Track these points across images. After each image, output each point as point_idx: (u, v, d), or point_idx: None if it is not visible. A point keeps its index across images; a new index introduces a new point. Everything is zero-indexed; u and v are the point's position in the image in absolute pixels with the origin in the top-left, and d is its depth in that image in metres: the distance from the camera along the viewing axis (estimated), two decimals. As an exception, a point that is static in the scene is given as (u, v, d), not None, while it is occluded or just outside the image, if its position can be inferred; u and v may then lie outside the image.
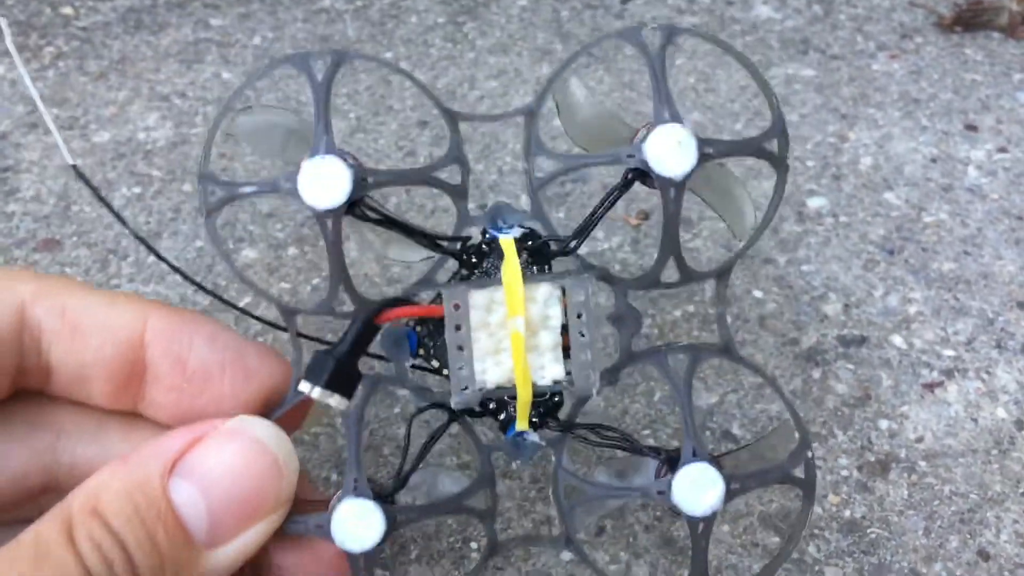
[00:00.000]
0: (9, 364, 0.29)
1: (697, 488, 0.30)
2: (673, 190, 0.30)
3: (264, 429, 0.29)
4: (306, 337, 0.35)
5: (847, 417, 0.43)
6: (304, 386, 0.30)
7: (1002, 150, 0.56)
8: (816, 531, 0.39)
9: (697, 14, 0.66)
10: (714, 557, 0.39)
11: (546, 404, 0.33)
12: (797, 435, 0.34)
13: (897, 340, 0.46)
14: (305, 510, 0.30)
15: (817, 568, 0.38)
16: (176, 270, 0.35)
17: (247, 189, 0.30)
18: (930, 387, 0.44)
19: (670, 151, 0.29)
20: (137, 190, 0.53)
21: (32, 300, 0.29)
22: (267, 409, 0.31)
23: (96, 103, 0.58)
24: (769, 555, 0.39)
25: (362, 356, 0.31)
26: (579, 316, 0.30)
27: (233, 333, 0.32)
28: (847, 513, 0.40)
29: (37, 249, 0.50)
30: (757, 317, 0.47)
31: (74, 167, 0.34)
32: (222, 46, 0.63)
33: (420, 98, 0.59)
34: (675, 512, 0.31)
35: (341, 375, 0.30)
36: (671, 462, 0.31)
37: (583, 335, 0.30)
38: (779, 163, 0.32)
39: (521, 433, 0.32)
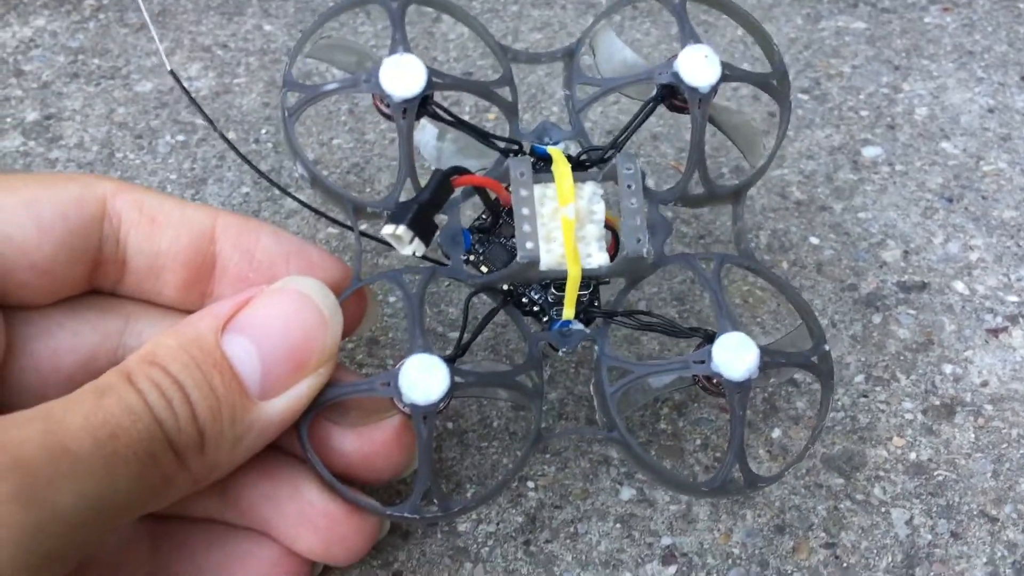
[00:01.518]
0: (91, 249, 0.30)
1: (734, 354, 0.32)
2: (700, 101, 0.34)
3: (309, 285, 0.30)
4: (368, 236, 0.38)
5: (910, 361, 0.42)
6: (388, 227, 0.31)
7: (1061, 101, 0.55)
8: (881, 473, 0.39)
9: (743, -32, 0.65)
10: (777, 499, 0.38)
11: (586, 303, 0.35)
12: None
13: (959, 286, 0.45)
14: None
15: (884, 510, 0.37)
16: (255, 169, 0.38)
17: (330, 87, 0.33)
18: (994, 332, 0.43)
19: (698, 64, 0.34)
20: (181, 138, 0.52)
21: (113, 194, 0.30)
22: None
23: (137, 54, 0.58)
24: (834, 496, 0.38)
25: (438, 211, 0.33)
26: (629, 187, 0.32)
27: (294, 235, 0.34)
28: (912, 456, 0.39)
29: (82, 194, 0.49)
30: (815, 263, 0.46)
31: (171, 73, 0.36)
32: (263, -1, 0.62)
33: (463, 50, 0.58)
34: (714, 388, 0.33)
35: (422, 219, 0.32)
36: (708, 340, 0.33)
37: (633, 203, 0.32)
38: (783, 98, 0.37)
39: (567, 323, 0.34)
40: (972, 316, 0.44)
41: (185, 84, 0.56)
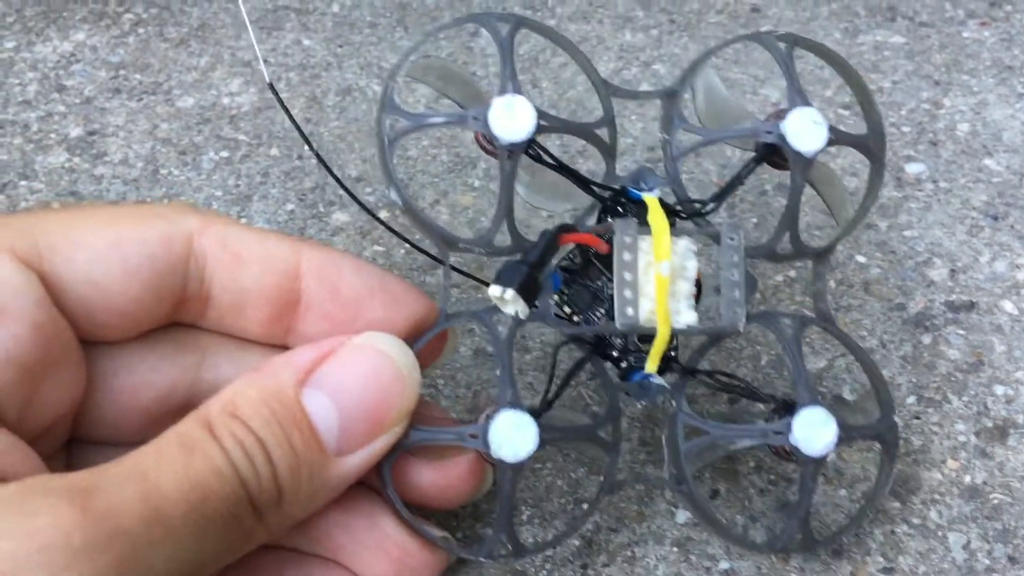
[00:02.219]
0: (176, 288, 0.30)
1: (815, 431, 0.32)
2: (803, 165, 0.33)
3: (390, 343, 0.30)
4: (458, 271, 0.38)
5: (961, 382, 0.42)
6: (495, 289, 0.31)
7: (1103, 117, 0.55)
8: (937, 496, 0.39)
9: (779, -18, 0.65)
10: (834, 523, 0.38)
11: (667, 355, 0.35)
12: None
13: (1007, 306, 0.45)
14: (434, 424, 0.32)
15: (940, 534, 0.37)
16: (348, 192, 0.37)
17: (435, 119, 0.33)
18: (1045, 353, 0.43)
19: (807, 128, 0.33)
20: (224, 154, 0.52)
21: (199, 231, 0.30)
22: (412, 337, 0.32)
23: (178, 69, 0.58)
24: (890, 520, 0.38)
25: (543, 270, 0.32)
26: (732, 259, 0.32)
27: (375, 265, 0.33)
28: (967, 479, 0.39)
29: (128, 211, 0.49)
30: (861, 282, 0.46)
31: (270, 85, 0.36)
32: (301, 13, 0.62)
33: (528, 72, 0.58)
34: (786, 455, 0.33)
35: (530, 282, 0.32)
36: (785, 408, 0.33)
37: (734, 276, 0.32)
38: (876, 159, 0.37)
39: (648, 376, 0.34)
40: (1022, 336, 0.44)
41: (226, 100, 0.56)
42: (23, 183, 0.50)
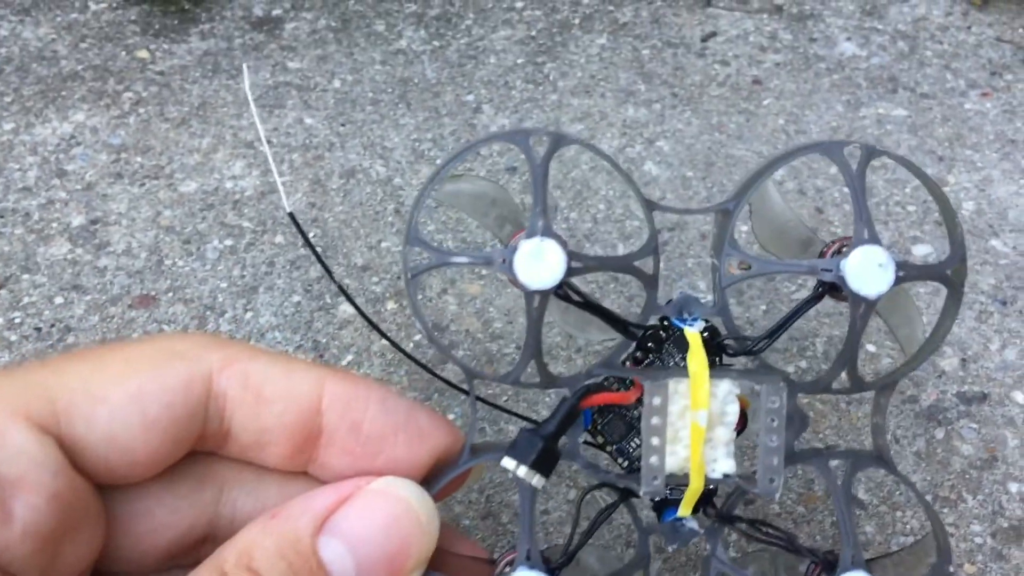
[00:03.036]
0: (195, 430, 0.30)
1: None
2: (864, 307, 0.30)
3: (409, 490, 0.30)
4: (483, 401, 0.37)
5: (975, 480, 0.42)
6: (509, 463, 0.30)
7: (1107, 193, 0.55)
8: (955, 604, 0.38)
9: (780, 51, 0.65)
10: None
11: (708, 491, 0.33)
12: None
13: (1019, 397, 0.45)
14: (455, 563, 0.31)
15: (960, 644, 0.37)
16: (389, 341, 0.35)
17: (459, 259, 0.31)
18: (1058, 447, 0.43)
19: (870, 271, 0.30)
20: (229, 242, 0.52)
21: (219, 370, 0.30)
22: (437, 471, 0.32)
23: (180, 151, 0.58)
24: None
25: (562, 437, 0.31)
26: (771, 421, 0.30)
27: (403, 397, 0.32)
28: (985, 584, 0.39)
29: (133, 306, 0.49)
30: (873, 372, 0.46)
31: (290, 215, 0.34)
32: (303, 90, 0.62)
33: (505, 145, 0.58)
34: None
35: (546, 455, 0.31)
36: (827, 565, 0.31)
37: (773, 440, 0.30)
38: (956, 289, 0.33)
39: (680, 518, 0.33)
40: (1035, 430, 0.44)
41: (229, 184, 0.55)
42: (25, 276, 0.50)
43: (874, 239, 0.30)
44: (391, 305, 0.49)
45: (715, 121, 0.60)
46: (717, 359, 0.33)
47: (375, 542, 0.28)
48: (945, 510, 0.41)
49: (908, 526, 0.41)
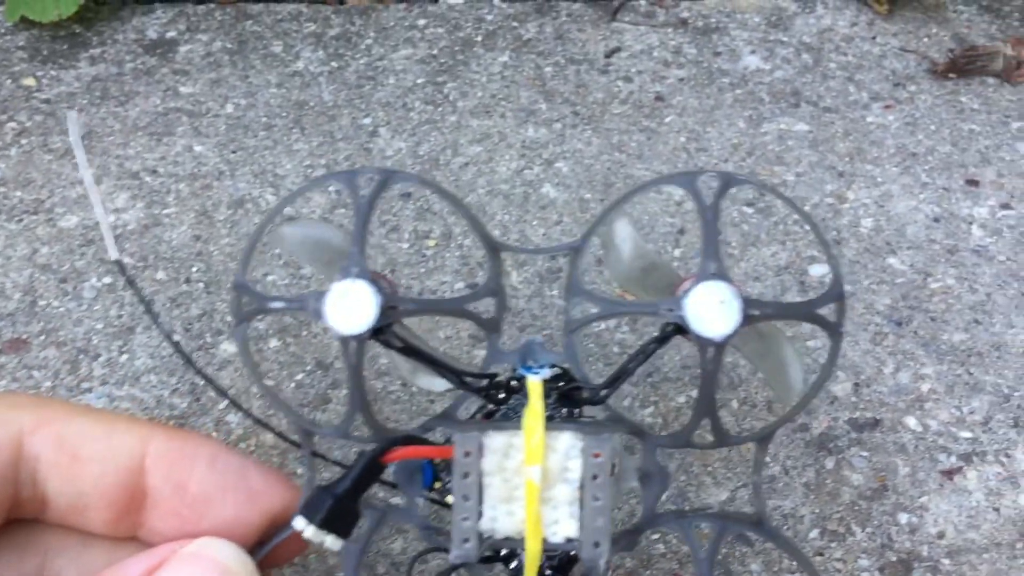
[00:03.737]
0: (4, 498, 0.28)
1: None
2: (712, 350, 0.28)
3: (225, 551, 0.28)
4: (322, 457, 0.35)
5: (865, 512, 0.41)
6: (299, 522, 0.28)
7: (1005, 206, 0.54)
8: (840, 643, 0.37)
9: (684, 66, 0.64)
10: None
11: (561, 558, 0.31)
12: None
13: (911, 422, 0.44)
14: None
15: None
16: (214, 385, 0.33)
17: (276, 305, 0.30)
18: (948, 474, 0.42)
19: (711, 310, 0.28)
20: (108, 280, 0.50)
21: (31, 430, 0.28)
22: (273, 531, 0.30)
23: (62, 183, 0.56)
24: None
25: (363, 493, 0.29)
26: (595, 477, 0.27)
27: (235, 454, 0.31)
28: (871, 621, 0.38)
29: (3, 351, 0.47)
30: (764, 401, 0.45)
31: (118, 263, 0.32)
32: (193, 116, 0.60)
33: (401, 164, 0.57)
34: None
35: (339, 514, 0.28)
36: None
37: (597, 499, 0.27)
38: (833, 330, 0.30)
39: None
40: (926, 456, 0.43)
41: (113, 217, 0.54)
42: None
43: (720, 275, 0.28)
44: (274, 343, 0.47)
45: (616, 140, 0.58)
46: (576, 410, 0.31)
47: None
48: (833, 544, 0.40)
49: (794, 563, 0.40)
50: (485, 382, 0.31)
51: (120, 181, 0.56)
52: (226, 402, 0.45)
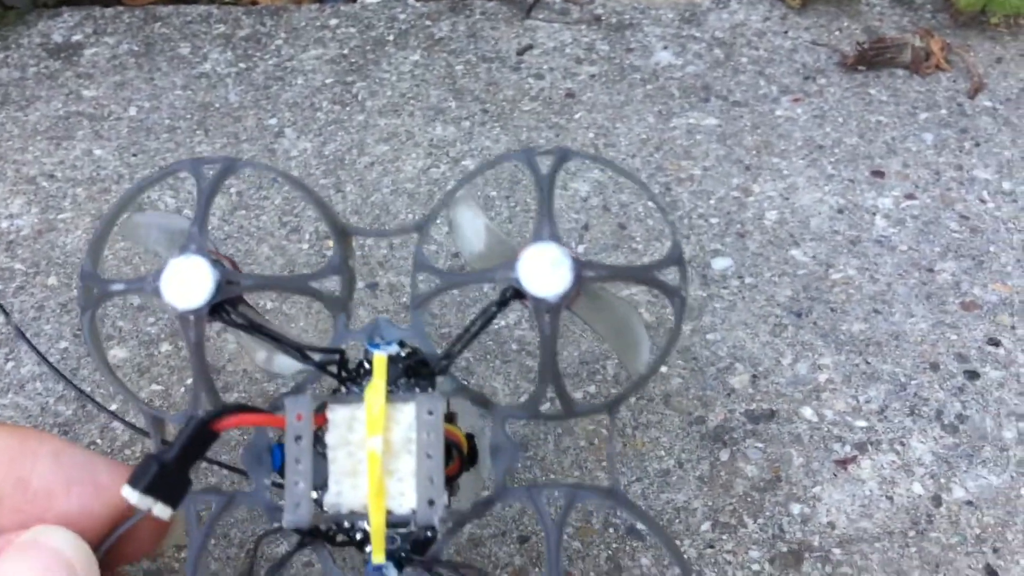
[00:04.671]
0: None
1: None
2: (548, 313, 0.28)
3: (61, 538, 0.28)
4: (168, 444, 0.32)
5: (757, 503, 0.41)
6: (125, 490, 0.27)
7: (909, 196, 0.54)
8: (727, 636, 0.37)
9: (596, 63, 0.64)
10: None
11: (416, 537, 0.30)
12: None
13: (807, 412, 0.44)
14: None
15: None
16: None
17: (116, 287, 0.30)
18: (843, 463, 0.42)
19: (542, 271, 0.28)
20: (-3, 287, 0.49)
21: None
22: (121, 522, 0.29)
23: (-45, 190, 0.54)
24: None
25: (195, 463, 0.28)
26: (427, 435, 0.28)
27: (81, 449, 0.30)
28: (759, 613, 0.38)
29: None
30: (662, 395, 0.45)
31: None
32: (95, 119, 0.59)
33: (306, 167, 0.56)
34: None
35: (166, 481, 0.28)
36: None
37: (430, 456, 0.27)
38: (674, 294, 0.30)
39: (379, 567, 0.30)
40: (820, 446, 0.43)
41: (6, 223, 0.52)
42: None
43: (553, 236, 0.28)
44: (165, 347, 0.46)
45: (524, 137, 0.58)
46: (430, 386, 0.31)
47: None
48: (724, 536, 0.40)
49: (686, 554, 0.39)
50: (336, 358, 0.31)
51: (16, 187, 0.55)
52: (115, 405, 0.44)
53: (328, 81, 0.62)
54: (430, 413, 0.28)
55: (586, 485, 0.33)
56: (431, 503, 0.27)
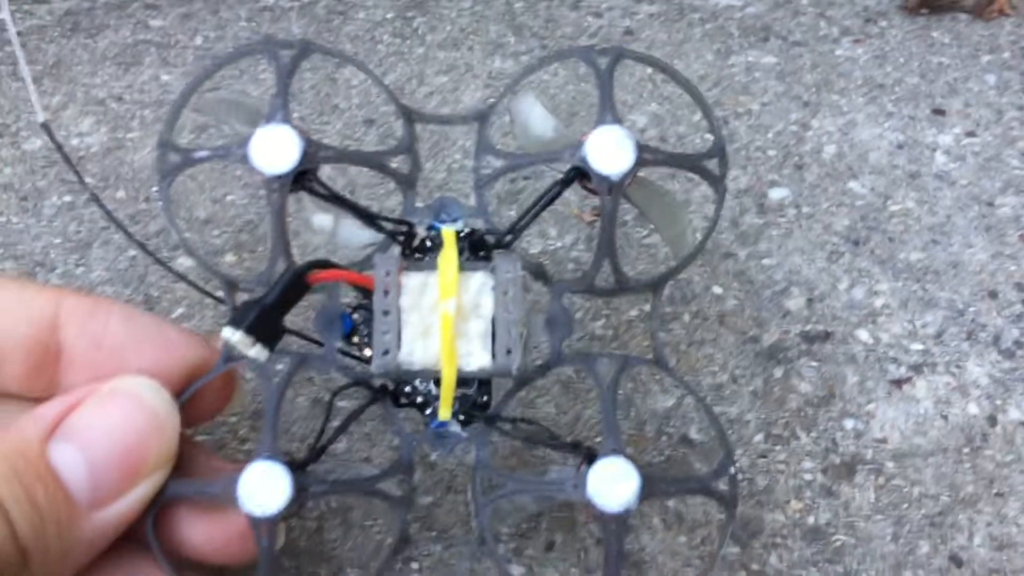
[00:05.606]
0: None
1: (612, 482, 0.29)
2: (610, 190, 0.31)
3: (143, 386, 0.29)
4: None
5: (811, 418, 0.41)
6: (227, 331, 0.29)
7: (970, 134, 0.54)
8: (779, 540, 0.37)
9: (655, 2, 0.64)
10: (670, 571, 0.36)
11: (473, 401, 0.32)
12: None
13: (863, 335, 0.44)
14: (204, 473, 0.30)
15: (779, 579, 0.36)
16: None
17: (201, 154, 0.32)
18: (898, 383, 0.42)
19: (609, 150, 0.31)
20: (68, 199, 0.50)
21: None
22: (190, 383, 0.31)
23: (28, 109, 0.56)
24: (728, 567, 0.37)
25: (288, 311, 0.30)
26: (506, 293, 0.30)
27: (150, 314, 0.32)
28: (811, 520, 0.38)
29: (-40, 263, 0.47)
30: (717, 314, 0.45)
31: (43, 125, 0.33)
32: (162, 47, 0.60)
33: (367, 96, 0.57)
34: (592, 512, 0.30)
35: (264, 325, 0.30)
36: (591, 460, 0.30)
37: (509, 311, 0.30)
38: (717, 182, 0.34)
39: (444, 424, 0.32)
40: (875, 367, 0.43)
41: (75, 141, 0.54)
42: None
43: (615, 120, 0.31)
44: (230, 257, 0.48)
45: (582, 71, 0.58)
46: (487, 260, 0.32)
47: (108, 442, 0.27)
48: (777, 447, 0.40)
49: (738, 464, 0.40)
50: (405, 229, 0.33)
51: (86, 108, 0.56)
52: (181, 309, 0.45)
53: (389, 16, 0.63)
54: (507, 272, 0.30)
55: (635, 356, 0.34)
56: (508, 352, 0.29)
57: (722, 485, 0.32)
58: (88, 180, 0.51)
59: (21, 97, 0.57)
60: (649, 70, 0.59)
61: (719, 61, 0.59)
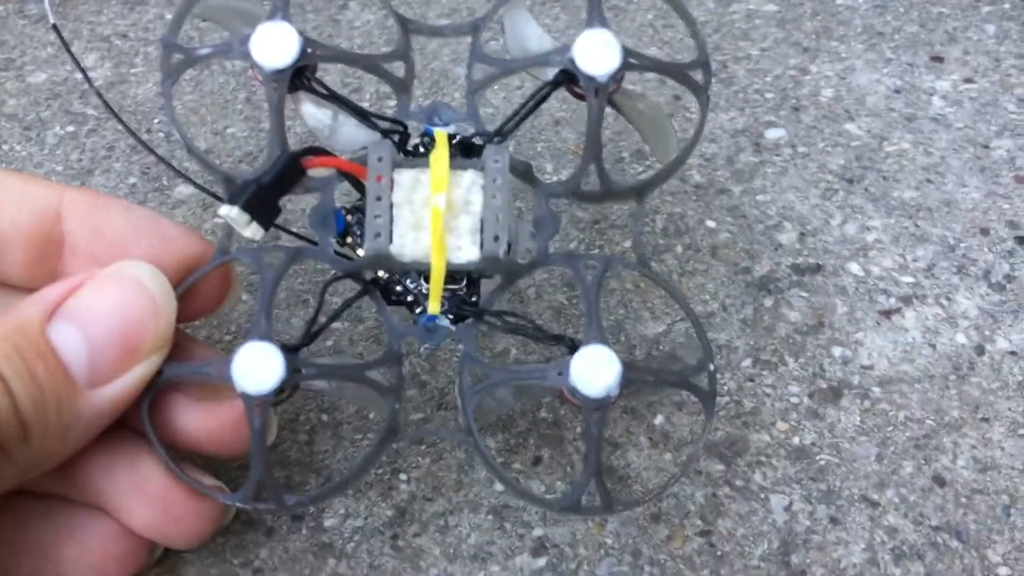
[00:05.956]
0: None
1: (594, 367, 0.30)
2: (596, 92, 0.31)
3: (141, 270, 0.29)
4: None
5: (799, 344, 0.42)
6: (224, 208, 0.30)
7: (968, 80, 0.54)
8: (763, 458, 0.38)
9: (658, -48, 0.64)
10: (656, 485, 0.37)
11: (462, 299, 0.33)
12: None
13: (854, 268, 0.45)
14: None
15: (763, 496, 0.37)
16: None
17: (204, 51, 0.32)
18: (887, 314, 0.43)
19: (596, 51, 0.32)
20: (71, 128, 0.51)
21: None
22: (187, 277, 0.31)
23: (33, 45, 0.56)
24: (713, 483, 0.37)
25: (284, 194, 0.31)
26: (494, 180, 0.30)
27: (149, 208, 0.33)
28: (796, 440, 0.38)
29: (-37, 188, 0.48)
30: (709, 247, 0.45)
31: (54, 27, 0.37)
32: (167, -13, 0.61)
33: (369, 37, 0.57)
34: (574, 403, 0.30)
35: (261, 202, 0.30)
36: (574, 349, 0.31)
37: (495, 199, 0.30)
38: (701, 92, 0.35)
39: (433, 318, 0.32)
40: (865, 298, 0.43)
41: (79, 75, 0.54)
42: None
43: (602, 23, 0.32)
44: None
45: (583, 16, 0.58)
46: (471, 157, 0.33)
47: (107, 321, 0.28)
48: (764, 372, 0.41)
49: (725, 387, 0.40)
50: (400, 128, 0.33)
51: (91, 44, 0.57)
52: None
53: (393, -39, 0.63)
54: (496, 161, 0.31)
55: (619, 257, 0.35)
56: (496, 238, 0.30)
57: (702, 381, 0.32)
58: (90, 111, 0.52)
59: (27, 34, 0.57)
60: (650, 15, 0.59)
61: (719, 8, 0.59)
